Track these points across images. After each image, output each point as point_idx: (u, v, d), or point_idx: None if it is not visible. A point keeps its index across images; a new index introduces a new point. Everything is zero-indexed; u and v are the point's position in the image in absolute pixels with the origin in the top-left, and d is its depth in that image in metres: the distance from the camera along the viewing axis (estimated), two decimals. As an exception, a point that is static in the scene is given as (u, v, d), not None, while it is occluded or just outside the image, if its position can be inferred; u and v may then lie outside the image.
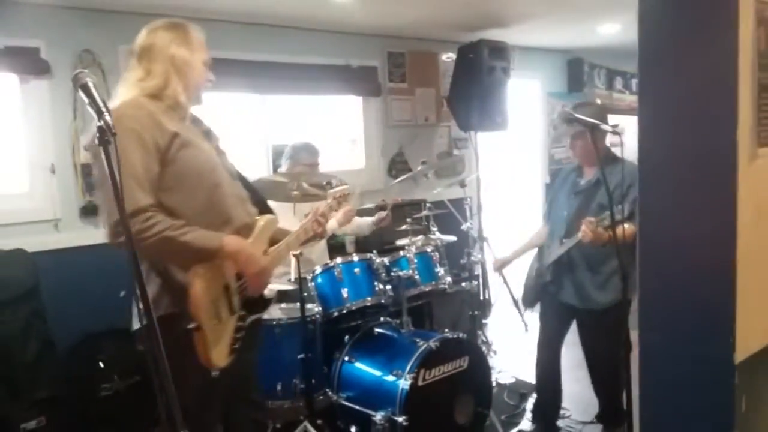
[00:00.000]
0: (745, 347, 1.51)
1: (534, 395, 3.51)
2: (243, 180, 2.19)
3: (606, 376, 3.07)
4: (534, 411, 3.43)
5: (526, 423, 3.48)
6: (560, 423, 3.38)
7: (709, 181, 1.52)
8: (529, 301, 3.33)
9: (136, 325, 1.88)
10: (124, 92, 1.94)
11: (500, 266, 3.67)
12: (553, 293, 3.12)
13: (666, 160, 1.62)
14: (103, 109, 1.40)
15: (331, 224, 3.62)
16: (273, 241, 2.18)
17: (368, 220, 3.92)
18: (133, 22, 2.08)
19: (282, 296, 3.48)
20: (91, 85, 1.45)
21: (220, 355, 1.88)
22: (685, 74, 1.57)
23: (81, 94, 1.47)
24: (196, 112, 2.13)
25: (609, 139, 2.96)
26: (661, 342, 1.66)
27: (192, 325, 1.78)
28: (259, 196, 2.28)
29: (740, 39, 1.43)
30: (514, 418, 3.51)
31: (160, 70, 1.95)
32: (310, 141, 3.82)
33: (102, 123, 1.38)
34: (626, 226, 2.60)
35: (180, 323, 1.79)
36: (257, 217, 2.14)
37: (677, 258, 1.62)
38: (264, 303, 2.17)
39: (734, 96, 1.43)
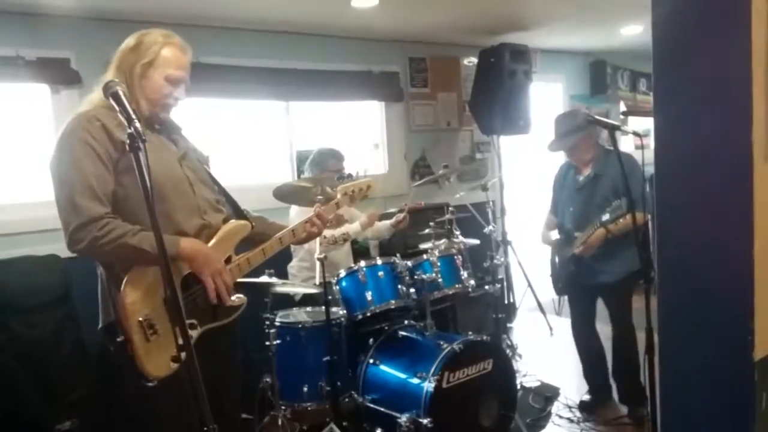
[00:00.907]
0: (764, 345, 1.50)
1: (583, 380, 3.76)
2: (217, 184, 2.17)
3: (629, 351, 3.39)
4: (589, 382, 3.70)
5: (551, 426, 3.46)
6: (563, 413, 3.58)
7: (726, 180, 1.52)
8: (559, 290, 3.75)
9: (101, 323, 1.96)
10: (88, 100, 1.97)
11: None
12: (578, 281, 3.52)
13: (682, 160, 1.62)
14: (133, 117, 1.46)
15: (354, 227, 3.66)
16: (256, 240, 2.20)
17: (387, 223, 3.95)
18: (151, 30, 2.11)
19: (307, 299, 3.53)
20: (121, 93, 1.53)
21: (157, 366, 1.84)
22: (699, 74, 1.57)
23: (112, 102, 1.53)
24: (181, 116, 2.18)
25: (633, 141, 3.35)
26: (680, 340, 1.65)
27: (120, 338, 1.81)
28: (234, 203, 2.23)
29: (753, 37, 1.43)
30: (540, 422, 3.49)
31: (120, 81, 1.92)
32: (335, 147, 3.87)
33: (132, 130, 1.44)
34: (627, 217, 2.98)
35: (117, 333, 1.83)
36: (227, 223, 2.10)
37: (695, 257, 1.61)
38: (226, 312, 2.06)
39: (749, 95, 1.43)
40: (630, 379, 3.42)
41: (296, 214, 3.72)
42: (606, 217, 3.15)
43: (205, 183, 2.13)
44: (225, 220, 2.13)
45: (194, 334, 1.93)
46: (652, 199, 1.77)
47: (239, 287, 2.15)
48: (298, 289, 3.48)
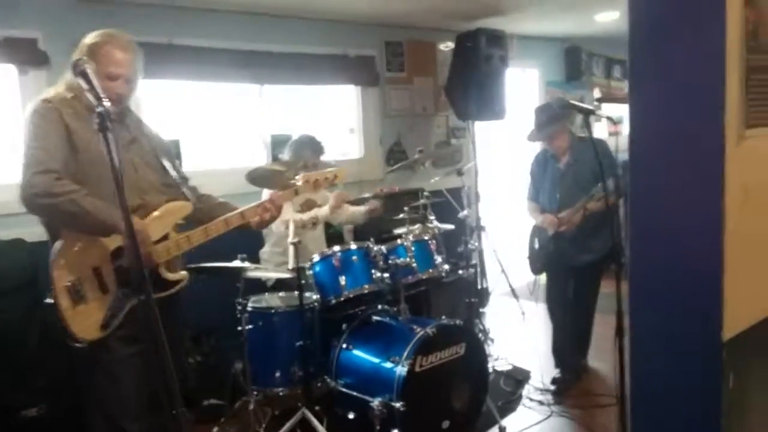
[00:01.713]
0: (732, 325, 1.53)
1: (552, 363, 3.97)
2: (163, 169, 2.29)
3: (584, 323, 3.84)
4: (556, 357, 3.94)
5: (522, 409, 3.51)
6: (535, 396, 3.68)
7: (698, 162, 1.55)
8: (536, 269, 3.97)
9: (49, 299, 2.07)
10: (54, 88, 2.17)
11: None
12: (557, 260, 3.78)
13: (656, 143, 1.64)
14: (102, 95, 1.46)
15: (323, 211, 3.64)
16: (201, 219, 2.31)
17: (361, 209, 3.95)
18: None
19: (280, 285, 3.51)
20: (90, 72, 1.54)
21: (84, 330, 2.02)
22: (673, 57, 1.59)
23: (80, 81, 1.53)
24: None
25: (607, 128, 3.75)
26: (650, 321, 1.68)
27: (48, 300, 2.00)
28: (192, 188, 2.40)
29: (728, 21, 1.44)
30: (511, 404, 3.54)
31: (69, 75, 2.07)
32: (313, 135, 3.82)
33: (101, 109, 1.44)
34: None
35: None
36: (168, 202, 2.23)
37: (667, 238, 1.64)
38: (162, 285, 2.17)
39: (722, 78, 1.45)
40: (580, 338, 3.91)
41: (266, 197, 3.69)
42: (584, 198, 3.48)
43: (150, 167, 2.27)
44: (171, 201, 2.25)
45: (125, 307, 2.07)
46: (625, 183, 1.79)
47: (181, 265, 2.28)
48: (270, 274, 3.46)
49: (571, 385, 3.76)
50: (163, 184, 2.29)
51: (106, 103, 1.50)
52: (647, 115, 1.64)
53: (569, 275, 3.80)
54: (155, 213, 2.19)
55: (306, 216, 3.51)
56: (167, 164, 2.33)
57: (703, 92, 1.51)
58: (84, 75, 1.58)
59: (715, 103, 1.46)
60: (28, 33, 3.56)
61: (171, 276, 2.20)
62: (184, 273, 2.25)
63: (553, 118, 3.57)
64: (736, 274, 1.53)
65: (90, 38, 2.16)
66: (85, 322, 2.02)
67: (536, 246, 3.91)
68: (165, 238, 2.19)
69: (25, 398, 3.07)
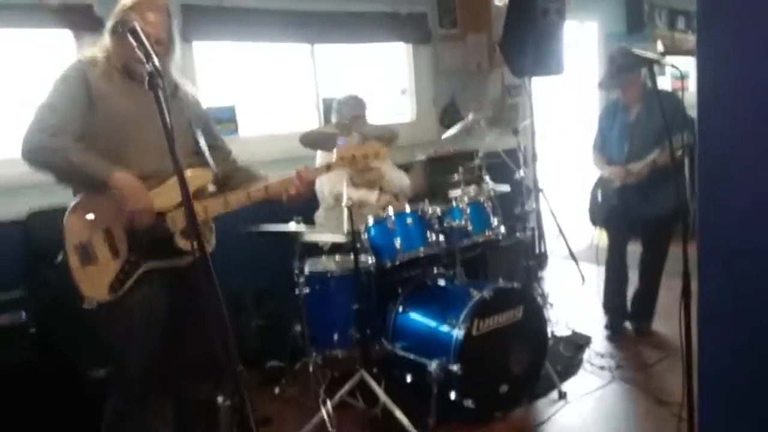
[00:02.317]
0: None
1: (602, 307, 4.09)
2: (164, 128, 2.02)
3: (652, 275, 3.80)
4: (608, 307, 4.02)
5: (583, 373, 3.44)
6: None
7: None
8: (597, 221, 4.00)
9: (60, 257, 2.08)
10: (91, 49, 2.13)
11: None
12: (620, 213, 3.75)
13: (726, 97, 1.50)
14: (152, 53, 1.45)
15: (371, 200, 3.60)
16: (225, 186, 2.29)
17: (407, 182, 3.90)
18: None
19: (336, 248, 3.51)
20: (139, 29, 1.53)
21: (93, 290, 2.02)
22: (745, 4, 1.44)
23: (130, 38, 1.53)
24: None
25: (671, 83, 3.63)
26: (721, 284, 1.57)
27: (59, 259, 2.02)
28: (203, 158, 2.23)
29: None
30: (570, 369, 3.47)
31: (105, 37, 2.11)
32: (354, 93, 3.77)
33: (150, 66, 1.43)
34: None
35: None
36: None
37: (739, 197, 1.51)
38: (177, 253, 2.11)
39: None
40: (647, 300, 3.87)
41: (320, 159, 3.67)
42: (656, 152, 3.48)
43: (180, 132, 2.11)
44: (193, 166, 2.18)
45: (135, 272, 2.06)
46: (695, 142, 1.66)
47: (210, 234, 2.23)
48: (325, 238, 3.46)
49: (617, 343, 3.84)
50: (192, 152, 2.23)
51: (155, 61, 1.49)
52: (718, 73, 1.50)
53: (633, 231, 3.80)
54: (170, 180, 2.09)
55: (356, 196, 3.47)
56: (198, 132, 2.25)
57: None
58: (134, 32, 1.56)
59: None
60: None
61: (185, 245, 2.09)
62: (207, 242, 2.16)
63: (627, 66, 3.46)
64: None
65: (124, 1, 2.10)
66: (94, 283, 2.03)
67: (599, 198, 3.89)
68: (181, 204, 2.06)
69: (92, 358, 3.16)
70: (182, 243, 2.09)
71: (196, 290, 1.83)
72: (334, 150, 2.38)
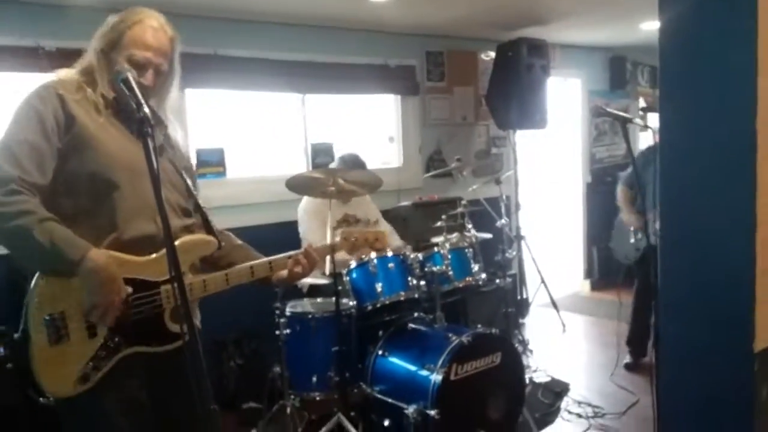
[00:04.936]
0: (764, 336, 1.49)
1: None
2: (153, 182, 1.49)
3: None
4: (629, 345, 4.26)
5: (560, 421, 3.46)
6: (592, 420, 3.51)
7: (729, 169, 1.52)
8: (628, 258, 4.16)
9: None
10: (63, 72, 1.79)
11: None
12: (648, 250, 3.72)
13: (687, 151, 1.62)
14: (142, 102, 1.47)
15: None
16: (220, 263, 1.91)
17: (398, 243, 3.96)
18: (175, 24, 2.06)
19: (316, 290, 3.55)
20: (131, 78, 1.54)
21: (55, 381, 1.59)
22: (704, 65, 1.58)
23: (122, 87, 1.56)
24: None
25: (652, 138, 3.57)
26: (681, 330, 1.65)
27: (17, 334, 1.56)
28: (205, 218, 1.91)
29: (759, 27, 1.42)
30: (548, 417, 3.49)
31: (87, 58, 1.79)
32: (357, 155, 3.89)
33: (141, 115, 1.46)
34: None
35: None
36: (189, 235, 1.83)
37: (698, 247, 1.62)
38: (164, 337, 1.73)
39: (754, 85, 1.42)
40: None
41: (305, 204, 3.75)
42: None
43: (173, 185, 1.84)
44: (189, 230, 1.86)
45: (113, 357, 1.65)
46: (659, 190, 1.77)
47: (196, 312, 1.92)
48: (307, 280, 3.50)
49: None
50: (184, 209, 1.87)
51: (146, 110, 1.46)
52: (678, 124, 1.62)
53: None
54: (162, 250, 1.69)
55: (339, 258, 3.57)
56: (190, 184, 1.90)
57: (734, 101, 1.49)
58: (126, 82, 1.54)
59: (747, 110, 1.44)
60: (79, 44, 3.65)
61: (174, 328, 1.73)
62: (196, 323, 1.78)
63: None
64: (768, 283, 1.49)
65: (115, 18, 1.81)
66: (61, 370, 1.58)
67: (631, 238, 4.10)
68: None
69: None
70: (173, 326, 1.74)
71: (182, 379, 1.51)
72: (339, 231, 2.29)
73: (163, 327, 1.72)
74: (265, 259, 1.95)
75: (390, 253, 3.30)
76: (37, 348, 1.56)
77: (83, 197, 1.67)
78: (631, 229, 4.07)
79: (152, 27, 1.77)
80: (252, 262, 1.91)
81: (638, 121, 2.54)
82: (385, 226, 3.97)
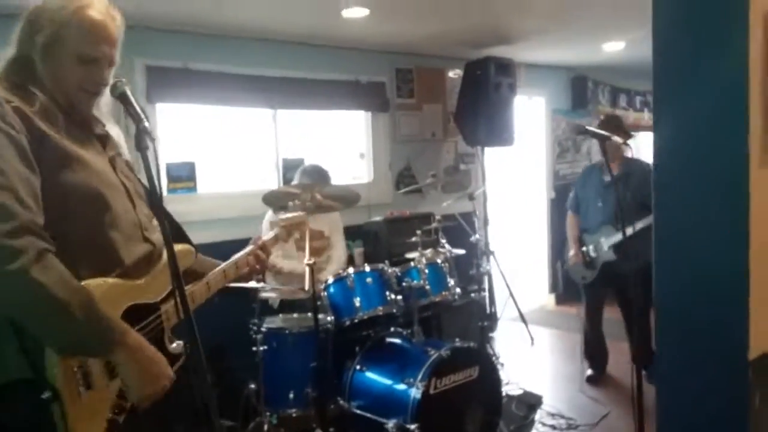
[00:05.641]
0: (758, 345, 1.56)
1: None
2: (152, 196, 1.45)
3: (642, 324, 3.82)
4: (589, 359, 4.33)
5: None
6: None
7: (723, 186, 1.59)
8: (585, 278, 4.26)
9: None
10: None
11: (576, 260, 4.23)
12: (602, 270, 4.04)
13: (681, 169, 1.69)
14: (141, 116, 1.42)
15: (297, 266, 3.64)
16: (192, 275, 1.77)
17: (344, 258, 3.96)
18: (146, 37, 1.99)
19: (288, 306, 3.53)
20: (128, 92, 1.48)
21: None
22: (697, 85, 1.64)
23: (119, 102, 1.51)
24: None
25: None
26: (676, 340, 1.70)
27: (46, 394, 1.32)
28: (172, 219, 1.74)
29: (751, 49, 1.50)
30: (523, 429, 3.53)
31: (13, 57, 1.50)
32: (320, 165, 3.88)
33: (141, 128, 1.40)
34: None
35: (32, 393, 1.32)
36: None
37: (693, 260, 1.68)
38: (173, 361, 1.59)
39: (745, 104, 1.50)
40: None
41: (270, 216, 3.72)
42: (641, 224, 3.39)
43: (140, 195, 1.68)
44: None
45: (113, 388, 1.44)
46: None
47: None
48: (287, 296, 3.48)
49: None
50: (150, 218, 1.69)
51: (146, 124, 1.40)
52: (672, 143, 1.69)
53: (613, 283, 4.05)
54: (159, 266, 1.62)
55: (286, 267, 3.60)
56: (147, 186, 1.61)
57: (727, 120, 1.56)
58: (123, 96, 1.45)
59: (739, 130, 1.51)
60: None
61: (174, 349, 1.62)
62: (180, 343, 1.64)
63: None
64: (762, 294, 1.56)
65: (52, 5, 1.49)
66: (90, 422, 1.39)
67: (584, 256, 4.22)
68: (170, 295, 1.60)
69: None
70: (172, 347, 1.61)
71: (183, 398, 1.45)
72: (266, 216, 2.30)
73: (165, 351, 1.58)
74: (232, 260, 1.92)
75: (368, 268, 3.31)
76: (69, 403, 1.33)
77: (73, 226, 1.44)
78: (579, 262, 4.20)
79: (100, 13, 1.51)
80: (222, 266, 1.87)
81: (617, 139, 2.62)
82: (339, 243, 3.96)
